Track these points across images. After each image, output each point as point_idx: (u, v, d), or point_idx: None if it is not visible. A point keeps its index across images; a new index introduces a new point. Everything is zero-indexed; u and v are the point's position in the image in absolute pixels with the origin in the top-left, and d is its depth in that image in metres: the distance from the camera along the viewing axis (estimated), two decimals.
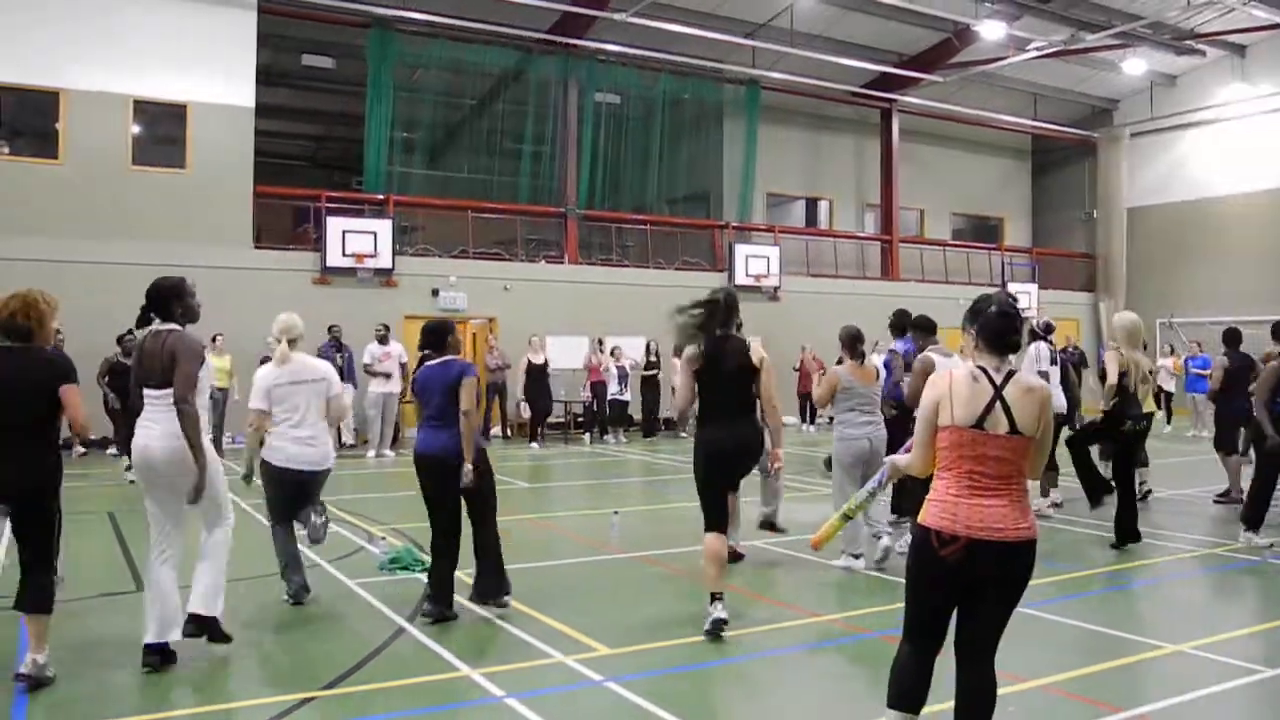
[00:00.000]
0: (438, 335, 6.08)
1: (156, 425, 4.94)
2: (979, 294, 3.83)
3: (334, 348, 14.88)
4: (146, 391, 5.00)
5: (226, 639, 5.15)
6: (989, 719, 3.54)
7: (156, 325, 5.05)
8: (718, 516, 5.67)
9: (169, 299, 5.05)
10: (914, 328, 8.28)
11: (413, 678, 4.97)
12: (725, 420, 5.60)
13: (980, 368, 3.55)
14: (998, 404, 3.46)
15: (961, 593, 3.51)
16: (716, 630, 5.50)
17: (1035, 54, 21.57)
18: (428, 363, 6.09)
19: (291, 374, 6.11)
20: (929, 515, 3.53)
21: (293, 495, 6.18)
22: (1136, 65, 22.78)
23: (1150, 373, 8.70)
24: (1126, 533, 8.25)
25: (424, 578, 6.95)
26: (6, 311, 4.70)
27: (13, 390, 4.62)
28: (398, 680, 4.91)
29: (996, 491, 3.45)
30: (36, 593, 4.66)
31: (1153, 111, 25.89)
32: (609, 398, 17.61)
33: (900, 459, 3.90)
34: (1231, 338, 10.90)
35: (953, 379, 3.55)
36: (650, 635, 5.71)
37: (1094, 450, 9.29)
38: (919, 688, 3.60)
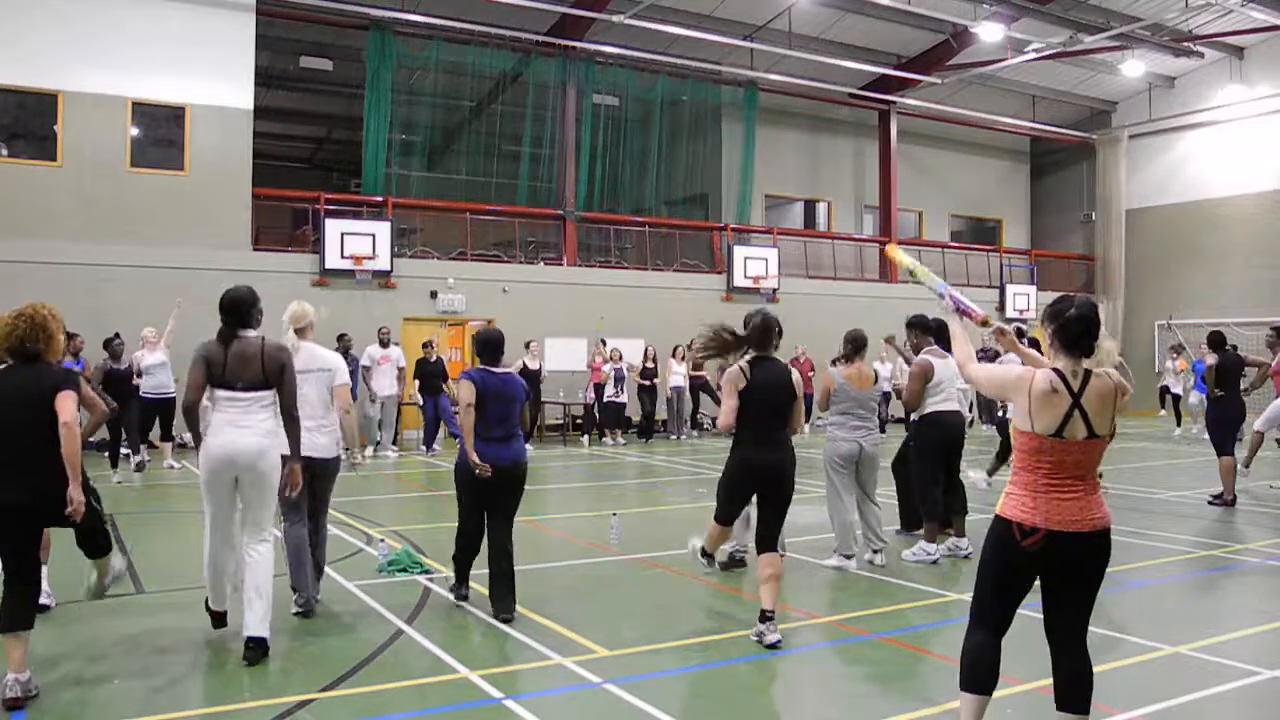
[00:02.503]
0: (498, 346, 6.18)
1: (246, 426, 5.18)
2: (1060, 295, 3.91)
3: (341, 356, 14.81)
4: (230, 393, 5.19)
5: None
6: (1089, 697, 3.72)
7: (239, 331, 5.26)
8: (727, 517, 5.88)
9: (250, 307, 5.33)
10: (910, 326, 8.18)
11: (412, 679, 4.97)
12: (762, 442, 5.65)
13: (1057, 371, 3.66)
14: (1076, 412, 3.61)
15: (1036, 580, 3.73)
16: (771, 646, 5.47)
17: (1033, 56, 21.60)
18: (487, 369, 6.08)
19: (300, 363, 6.07)
20: (1009, 508, 3.72)
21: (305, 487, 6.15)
22: (1135, 67, 22.80)
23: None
24: None
25: (423, 580, 6.97)
26: (15, 335, 4.70)
27: (21, 407, 4.62)
28: (397, 682, 4.91)
29: (1074, 488, 3.65)
30: (91, 540, 5.07)
31: (1151, 113, 25.94)
32: (605, 399, 17.63)
33: (961, 348, 4.14)
34: (1217, 340, 10.94)
35: (1033, 387, 3.65)
36: (649, 638, 5.70)
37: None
38: (993, 670, 3.76)
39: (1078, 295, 3.85)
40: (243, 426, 5.17)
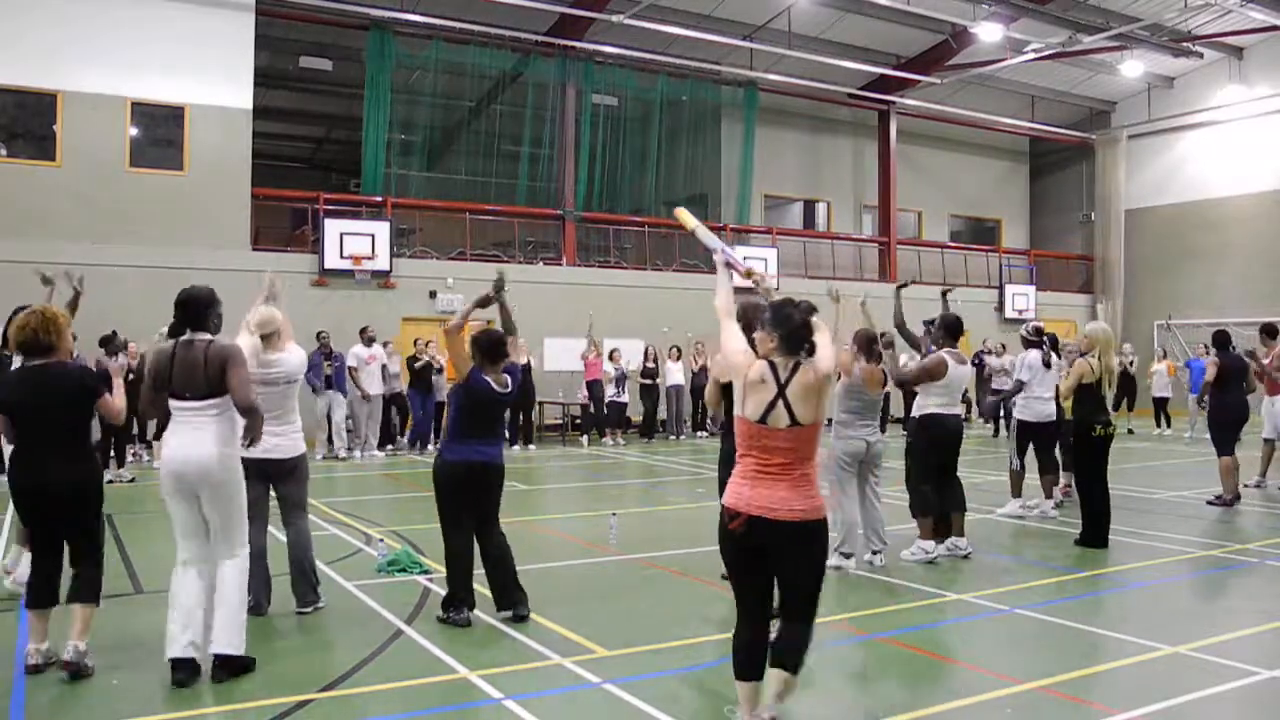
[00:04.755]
0: (501, 347, 6.10)
1: (200, 433, 4.90)
2: (784, 299, 4.21)
3: (324, 355, 14.86)
4: (184, 403, 4.95)
5: (251, 666, 5.03)
6: (790, 658, 3.97)
7: (188, 335, 5.04)
8: None
9: (207, 309, 5.10)
10: (943, 326, 8.07)
11: (411, 680, 4.97)
12: None
13: (770, 363, 3.97)
14: (780, 402, 3.91)
15: (761, 565, 3.96)
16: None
17: (1033, 56, 21.62)
18: (486, 375, 5.98)
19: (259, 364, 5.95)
20: (726, 494, 4.03)
21: (267, 489, 6.02)
22: (1134, 67, 22.81)
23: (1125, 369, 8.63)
24: (1096, 536, 8.27)
25: (423, 580, 6.97)
26: (28, 329, 4.91)
27: (51, 404, 4.92)
28: (396, 682, 4.91)
29: (778, 477, 3.90)
30: (87, 584, 5.00)
31: (1150, 113, 25.94)
32: (606, 400, 17.62)
33: (723, 296, 4.43)
34: (1221, 340, 10.93)
35: (749, 374, 3.96)
36: (648, 637, 5.70)
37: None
38: (754, 658, 4.02)
39: (802, 301, 4.14)
40: (194, 434, 4.91)
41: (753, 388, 3.95)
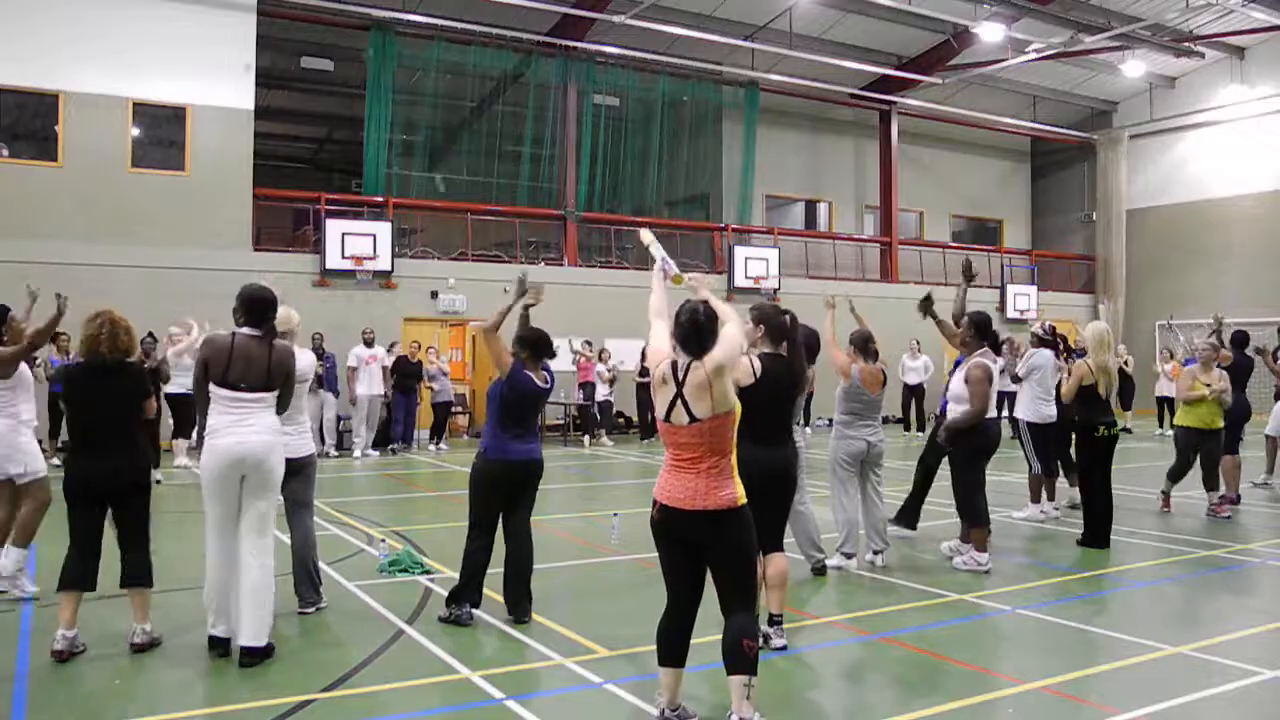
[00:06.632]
0: (548, 344, 6.16)
1: (252, 424, 5.17)
2: (684, 301, 4.27)
3: (316, 355, 14.85)
4: (236, 393, 5.17)
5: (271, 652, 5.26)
6: (739, 661, 3.99)
7: (247, 330, 5.26)
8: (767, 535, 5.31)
9: (269, 308, 5.34)
10: (974, 324, 7.65)
11: (412, 680, 4.98)
12: (766, 441, 5.20)
13: (674, 363, 4.12)
14: (679, 402, 4.07)
15: (684, 555, 4.11)
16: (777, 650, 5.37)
17: (1034, 56, 21.60)
18: (529, 371, 6.02)
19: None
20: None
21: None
22: (1135, 67, 22.81)
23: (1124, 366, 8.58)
24: (1098, 536, 8.24)
25: (424, 580, 6.97)
26: (105, 335, 5.30)
27: (110, 400, 5.36)
28: (398, 683, 4.91)
29: (685, 469, 4.08)
30: (137, 569, 5.35)
31: (1152, 113, 25.93)
32: (598, 400, 17.68)
33: (656, 297, 4.53)
34: (1240, 339, 10.95)
35: (656, 373, 4.14)
36: (649, 638, 5.64)
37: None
38: (676, 645, 4.16)
39: (695, 302, 4.20)
40: (247, 424, 5.15)
41: (658, 387, 4.14)
